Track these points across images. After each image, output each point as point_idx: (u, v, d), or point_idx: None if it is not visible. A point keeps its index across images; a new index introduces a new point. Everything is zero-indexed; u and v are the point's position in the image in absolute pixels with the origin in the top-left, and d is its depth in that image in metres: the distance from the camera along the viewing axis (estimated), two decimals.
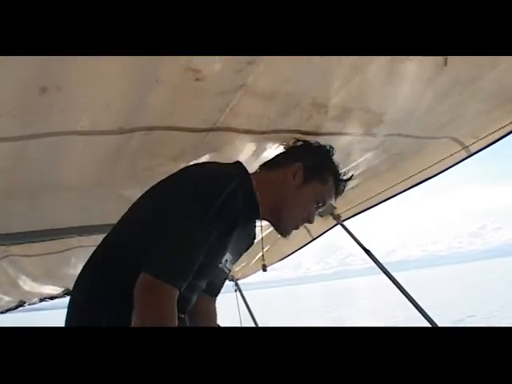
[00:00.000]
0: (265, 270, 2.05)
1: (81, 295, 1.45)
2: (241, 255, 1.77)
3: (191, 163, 1.86)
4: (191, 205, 1.33)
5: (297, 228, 1.66)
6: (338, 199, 1.74)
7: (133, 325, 1.21)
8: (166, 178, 1.51)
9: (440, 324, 2.60)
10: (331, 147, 1.70)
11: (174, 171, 1.51)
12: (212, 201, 1.32)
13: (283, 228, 1.64)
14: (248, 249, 1.80)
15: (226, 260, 1.60)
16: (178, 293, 1.25)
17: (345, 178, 1.70)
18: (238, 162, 1.61)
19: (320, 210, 1.70)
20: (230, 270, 1.71)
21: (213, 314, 1.84)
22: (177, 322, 1.23)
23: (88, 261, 1.50)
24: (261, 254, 1.96)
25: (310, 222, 1.66)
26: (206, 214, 1.31)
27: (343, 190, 1.72)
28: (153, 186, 1.52)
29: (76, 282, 1.48)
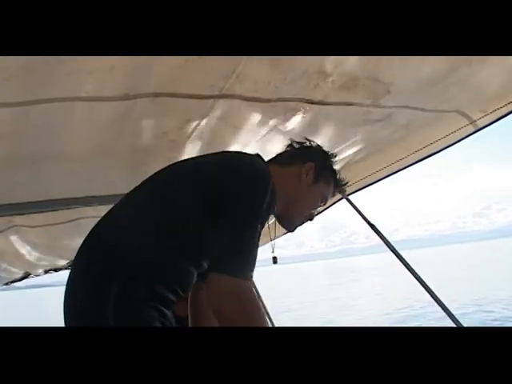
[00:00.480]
0: (275, 262, 2.06)
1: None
2: None
3: (196, 132, 1.85)
4: (251, 200, 1.37)
5: (301, 225, 1.74)
6: (343, 172, 1.80)
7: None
8: (200, 165, 1.51)
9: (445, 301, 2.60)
10: (335, 154, 1.79)
11: (179, 139, 1.50)
12: (265, 197, 1.37)
13: (292, 224, 1.72)
14: None
15: None
16: None
17: (343, 182, 1.79)
18: (259, 156, 1.63)
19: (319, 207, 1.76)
20: None
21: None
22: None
23: (98, 233, 1.48)
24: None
25: (311, 219, 1.74)
26: (261, 209, 1.37)
27: (335, 193, 1.81)
28: (181, 170, 1.52)
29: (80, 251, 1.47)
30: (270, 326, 1.41)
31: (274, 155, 1.72)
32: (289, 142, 1.77)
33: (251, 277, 1.33)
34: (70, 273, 1.45)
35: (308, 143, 1.75)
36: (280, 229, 1.76)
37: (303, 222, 1.73)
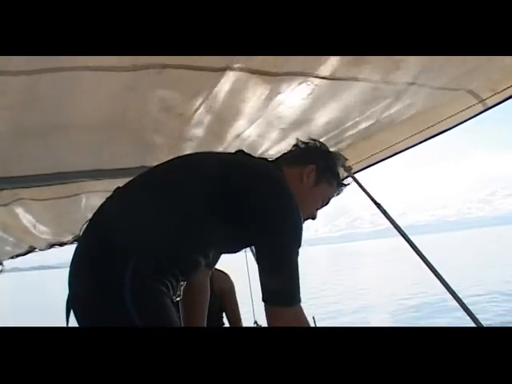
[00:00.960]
0: None
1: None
2: None
3: (204, 105, 1.84)
4: (294, 238, 1.45)
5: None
6: (350, 149, 1.86)
7: None
8: (227, 166, 1.55)
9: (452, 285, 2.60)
10: (340, 154, 1.85)
11: (186, 112, 1.48)
12: (299, 223, 1.49)
13: None
14: None
15: None
16: None
17: (345, 183, 1.82)
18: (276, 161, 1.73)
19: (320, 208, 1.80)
20: None
21: (207, 288, 1.96)
22: None
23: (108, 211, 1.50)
24: None
25: (314, 218, 1.77)
26: (299, 233, 1.47)
27: (339, 194, 1.84)
28: (204, 164, 1.57)
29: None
30: None
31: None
32: (295, 142, 1.80)
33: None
34: (78, 246, 1.46)
35: (313, 143, 1.78)
36: None
37: (304, 221, 1.71)
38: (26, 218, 3.11)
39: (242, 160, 1.63)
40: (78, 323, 1.37)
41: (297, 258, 1.43)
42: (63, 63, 1.42)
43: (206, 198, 1.45)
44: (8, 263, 4.18)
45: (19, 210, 2.97)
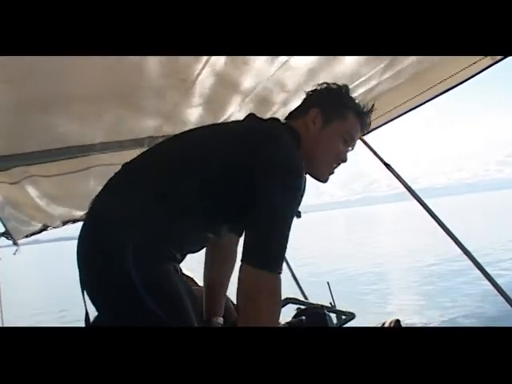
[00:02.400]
0: (299, 216, 2.06)
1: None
2: None
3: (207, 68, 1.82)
4: (289, 198, 1.38)
5: (332, 172, 1.67)
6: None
7: (252, 318, 1.30)
8: (236, 136, 1.51)
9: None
10: (345, 85, 1.70)
11: (190, 78, 1.43)
12: (301, 192, 1.41)
13: (319, 175, 1.66)
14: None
15: None
16: None
17: (365, 110, 1.67)
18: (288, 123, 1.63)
19: (350, 148, 1.67)
20: None
21: (234, 254, 1.90)
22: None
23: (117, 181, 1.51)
24: None
25: (344, 161, 1.66)
26: (298, 205, 1.42)
27: (369, 123, 1.71)
28: (214, 136, 1.54)
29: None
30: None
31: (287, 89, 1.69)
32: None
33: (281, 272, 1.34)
34: (83, 223, 1.48)
35: (312, 89, 1.70)
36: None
37: (335, 167, 1.66)
38: (37, 195, 3.12)
39: (248, 127, 1.57)
40: (92, 304, 1.39)
41: (286, 225, 1.35)
42: None
43: (222, 171, 1.42)
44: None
45: (30, 188, 2.97)
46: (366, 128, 1.69)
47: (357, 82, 2.32)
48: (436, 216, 2.70)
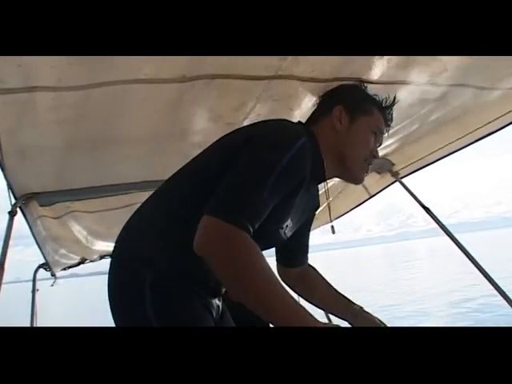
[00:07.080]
0: (333, 232, 2.02)
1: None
2: (301, 222, 1.67)
3: (252, 114, 1.86)
4: (264, 153, 1.28)
5: (367, 170, 1.61)
6: (396, 154, 1.74)
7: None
8: (236, 130, 1.51)
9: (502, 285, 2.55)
10: (362, 82, 1.69)
11: (235, 122, 1.49)
12: (284, 153, 1.27)
13: (354, 175, 1.61)
14: (312, 216, 1.79)
15: (287, 226, 1.51)
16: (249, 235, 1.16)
17: (388, 103, 1.64)
18: (301, 122, 1.60)
19: (378, 144, 1.63)
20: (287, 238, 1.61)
21: (313, 277, 1.89)
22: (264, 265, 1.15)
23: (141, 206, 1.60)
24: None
25: (376, 157, 1.60)
26: (279, 164, 1.25)
27: (391, 117, 1.66)
28: (219, 140, 1.52)
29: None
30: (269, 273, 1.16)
31: None
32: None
33: (248, 227, 1.16)
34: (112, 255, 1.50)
35: (329, 90, 1.65)
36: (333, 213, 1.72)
37: (369, 164, 1.60)
38: (77, 230, 3.18)
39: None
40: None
41: (261, 183, 1.21)
42: (115, 76, 1.46)
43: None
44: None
45: (71, 223, 3.03)
46: (389, 122, 1.66)
47: (403, 124, 2.33)
48: (469, 254, 2.66)
